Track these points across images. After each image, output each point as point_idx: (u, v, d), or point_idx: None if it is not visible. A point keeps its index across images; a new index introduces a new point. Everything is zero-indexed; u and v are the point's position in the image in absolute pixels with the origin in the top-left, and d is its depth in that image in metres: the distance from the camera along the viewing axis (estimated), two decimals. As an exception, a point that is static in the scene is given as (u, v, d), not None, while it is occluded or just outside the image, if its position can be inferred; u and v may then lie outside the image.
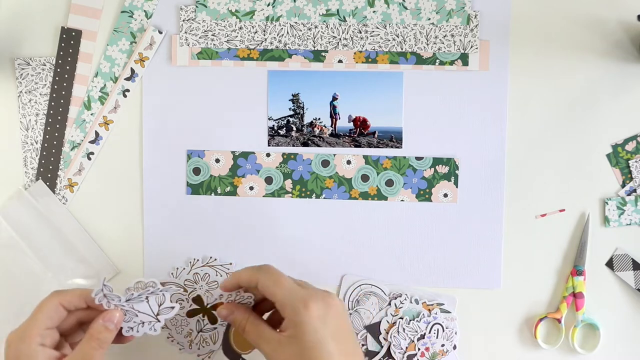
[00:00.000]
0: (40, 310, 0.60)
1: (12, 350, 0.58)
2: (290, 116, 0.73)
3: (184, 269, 0.74)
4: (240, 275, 0.63)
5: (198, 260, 0.74)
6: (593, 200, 0.72)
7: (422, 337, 0.72)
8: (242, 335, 0.63)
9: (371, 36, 0.72)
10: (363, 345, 0.73)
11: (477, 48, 0.72)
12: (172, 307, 0.62)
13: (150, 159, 0.74)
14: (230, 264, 0.74)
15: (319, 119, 0.73)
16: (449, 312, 0.72)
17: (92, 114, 0.74)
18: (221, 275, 0.73)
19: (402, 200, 0.73)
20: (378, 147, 0.73)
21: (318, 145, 0.73)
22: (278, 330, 0.60)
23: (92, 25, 0.74)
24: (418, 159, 0.73)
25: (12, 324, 0.73)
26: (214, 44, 0.73)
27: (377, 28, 0.72)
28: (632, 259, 0.72)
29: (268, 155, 0.73)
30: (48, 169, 0.74)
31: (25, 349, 0.58)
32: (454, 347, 0.73)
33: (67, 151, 0.74)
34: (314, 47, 0.72)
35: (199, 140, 0.74)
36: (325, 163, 0.73)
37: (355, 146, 0.73)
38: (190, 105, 0.73)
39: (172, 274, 0.74)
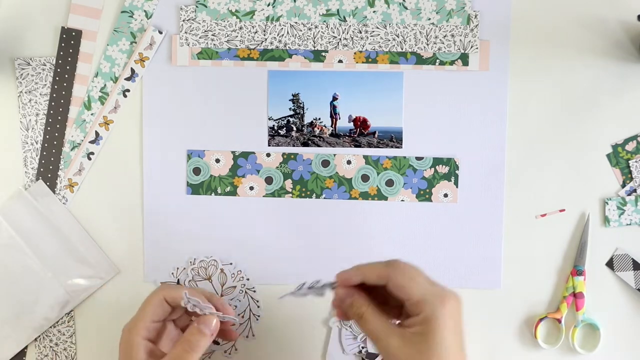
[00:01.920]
0: (147, 305, 0.62)
1: (123, 340, 0.61)
2: (291, 116, 0.73)
3: (184, 269, 0.74)
4: (367, 270, 0.60)
5: (198, 260, 0.74)
6: (593, 200, 0.72)
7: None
8: (356, 322, 0.60)
9: (371, 36, 0.72)
10: (363, 347, 0.73)
11: (477, 48, 0.72)
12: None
13: (150, 159, 0.74)
14: (231, 264, 0.74)
15: (319, 119, 0.73)
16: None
17: (92, 114, 0.74)
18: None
19: (402, 200, 0.73)
20: (378, 147, 0.73)
21: (318, 145, 0.73)
22: (399, 324, 0.58)
23: (92, 25, 0.74)
24: (418, 159, 0.73)
25: (12, 324, 0.73)
26: (214, 44, 0.73)
27: (377, 28, 0.72)
28: (632, 259, 0.72)
29: (268, 155, 0.73)
30: (48, 169, 0.74)
31: (132, 340, 0.60)
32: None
33: (67, 151, 0.74)
34: (314, 47, 0.72)
35: (199, 140, 0.74)
36: (326, 163, 0.73)
37: (356, 146, 0.73)
38: (190, 105, 0.73)
39: (172, 274, 0.74)
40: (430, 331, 0.56)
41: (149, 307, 0.62)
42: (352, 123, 0.73)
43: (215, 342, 0.73)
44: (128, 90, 0.74)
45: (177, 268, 0.74)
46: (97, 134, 0.74)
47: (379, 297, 0.60)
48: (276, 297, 0.73)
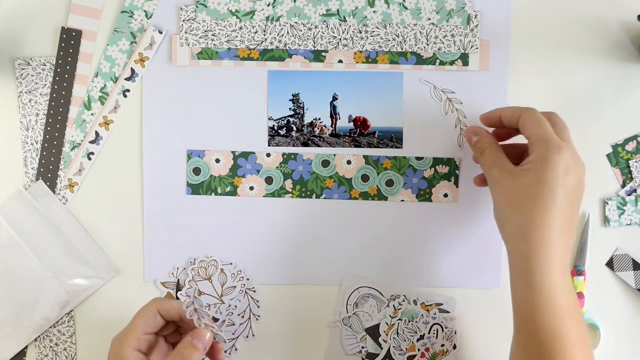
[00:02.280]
0: (139, 316, 0.62)
1: (112, 352, 0.61)
2: (291, 116, 0.73)
3: (184, 269, 0.74)
4: (504, 110, 0.65)
5: (198, 260, 0.74)
6: (593, 200, 0.72)
7: (422, 337, 0.72)
8: (477, 157, 0.66)
9: (371, 36, 0.72)
10: (363, 347, 0.73)
11: (477, 48, 0.72)
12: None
13: (150, 159, 0.74)
14: (231, 263, 0.74)
15: (319, 119, 0.73)
16: (448, 312, 0.72)
17: (92, 114, 0.74)
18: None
19: (402, 200, 0.73)
20: (378, 147, 0.73)
21: (318, 145, 0.73)
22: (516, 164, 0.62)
23: (92, 25, 0.74)
24: (418, 159, 0.73)
25: (12, 324, 0.73)
26: (214, 44, 0.73)
27: (377, 28, 0.72)
28: (632, 259, 0.72)
29: (268, 155, 0.73)
30: (48, 169, 0.74)
31: (122, 352, 0.60)
32: (454, 347, 0.73)
33: (67, 151, 0.74)
34: (314, 47, 0.72)
35: (199, 140, 0.74)
36: (326, 163, 0.73)
37: (355, 146, 0.73)
38: (190, 105, 0.73)
39: (172, 274, 0.74)
40: (538, 169, 0.59)
41: (141, 318, 0.62)
42: (352, 123, 0.73)
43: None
44: (128, 90, 0.74)
45: (177, 268, 0.74)
46: (97, 134, 0.74)
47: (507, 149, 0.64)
48: (278, 297, 0.73)
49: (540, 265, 0.58)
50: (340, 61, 0.73)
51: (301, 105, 0.73)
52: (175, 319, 0.64)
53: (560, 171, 0.58)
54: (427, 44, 0.72)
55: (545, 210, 0.58)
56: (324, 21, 0.72)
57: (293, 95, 0.73)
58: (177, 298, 0.74)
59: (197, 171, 0.74)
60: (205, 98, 0.73)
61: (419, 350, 0.72)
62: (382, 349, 0.72)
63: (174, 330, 0.66)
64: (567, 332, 0.57)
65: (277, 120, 0.73)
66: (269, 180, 0.73)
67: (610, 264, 0.72)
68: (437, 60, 0.72)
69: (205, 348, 0.62)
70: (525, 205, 0.59)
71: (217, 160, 0.74)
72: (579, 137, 0.72)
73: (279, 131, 0.73)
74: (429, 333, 0.72)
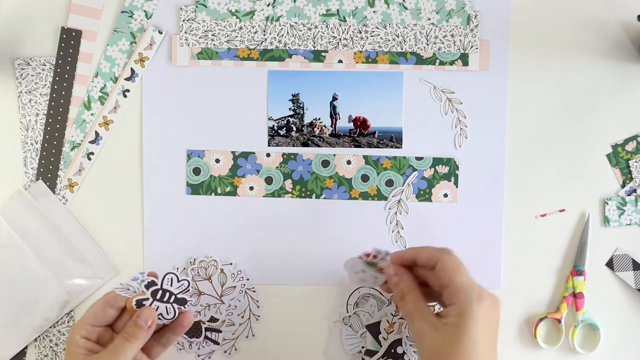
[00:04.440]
0: (89, 309, 0.64)
1: (67, 338, 0.65)
2: (290, 116, 0.73)
3: (184, 269, 0.74)
4: (421, 251, 0.62)
5: (198, 260, 0.74)
6: (593, 200, 0.72)
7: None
8: (397, 301, 0.62)
9: (371, 36, 0.72)
10: (363, 347, 0.73)
11: (477, 48, 0.72)
12: (187, 282, 0.63)
13: (150, 159, 0.74)
14: (231, 264, 0.74)
15: (319, 119, 0.73)
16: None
17: (92, 114, 0.74)
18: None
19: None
20: (378, 147, 0.73)
21: (318, 146, 0.73)
22: (436, 313, 0.60)
23: (92, 25, 0.74)
24: (418, 159, 0.73)
25: (12, 324, 0.73)
26: (214, 44, 0.73)
27: (377, 28, 0.72)
28: (632, 259, 0.72)
29: (268, 155, 0.73)
30: (48, 169, 0.74)
31: (70, 338, 0.63)
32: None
33: (67, 151, 0.74)
34: (314, 47, 0.72)
35: (199, 140, 0.74)
36: (325, 163, 0.73)
37: (355, 146, 0.73)
38: (190, 105, 0.73)
39: (172, 274, 0.74)
40: (462, 324, 0.57)
41: (90, 310, 0.64)
42: (352, 123, 0.73)
43: (215, 342, 0.73)
44: (128, 90, 0.74)
45: (177, 268, 0.74)
46: (97, 134, 0.74)
47: (423, 285, 0.62)
48: (278, 297, 0.73)
49: None
50: (340, 61, 0.73)
51: (301, 105, 0.73)
52: (122, 305, 0.65)
53: (484, 322, 0.57)
54: (427, 44, 0.72)
55: None
56: (324, 21, 0.72)
57: (293, 95, 0.73)
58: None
59: (197, 171, 0.74)
60: (205, 98, 0.73)
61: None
62: (381, 346, 0.72)
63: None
64: None
65: (277, 120, 0.73)
66: (269, 181, 0.73)
67: (610, 264, 0.72)
68: (437, 60, 0.72)
69: (150, 326, 0.63)
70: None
71: (217, 160, 0.74)
72: (579, 137, 0.72)
73: (279, 131, 0.73)
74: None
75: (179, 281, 0.63)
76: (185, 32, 0.73)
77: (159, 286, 0.63)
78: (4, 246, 0.73)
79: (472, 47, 0.72)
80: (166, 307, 0.64)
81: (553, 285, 0.73)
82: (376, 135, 0.73)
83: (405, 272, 0.63)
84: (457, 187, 0.73)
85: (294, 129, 0.73)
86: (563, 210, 0.72)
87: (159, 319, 0.64)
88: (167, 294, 0.63)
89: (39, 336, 0.74)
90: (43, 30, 0.74)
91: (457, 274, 0.59)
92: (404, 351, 0.72)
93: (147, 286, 0.63)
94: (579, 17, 0.72)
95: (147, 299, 0.63)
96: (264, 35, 0.72)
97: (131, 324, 0.63)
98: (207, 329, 0.73)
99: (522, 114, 0.72)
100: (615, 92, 0.72)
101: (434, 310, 0.63)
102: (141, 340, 0.62)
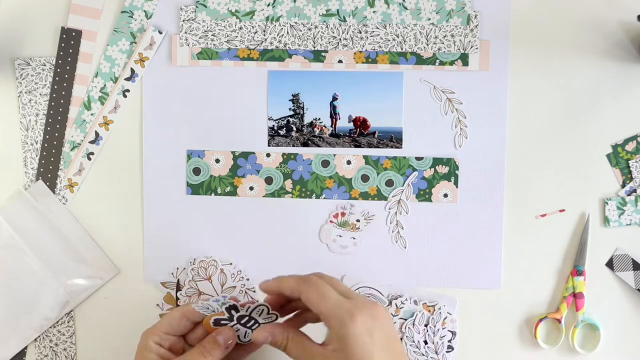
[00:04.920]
0: (166, 316, 0.64)
1: (139, 343, 0.63)
2: (290, 116, 0.73)
3: (184, 269, 0.74)
4: (283, 283, 0.61)
5: (198, 260, 0.74)
6: (593, 200, 0.72)
7: (423, 337, 0.72)
8: (285, 352, 0.61)
9: (371, 36, 0.72)
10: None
11: (477, 48, 0.72)
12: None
13: (150, 159, 0.74)
14: (230, 264, 0.74)
15: (319, 119, 0.73)
16: (450, 312, 0.72)
17: (92, 114, 0.74)
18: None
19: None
20: (378, 147, 0.73)
21: (318, 146, 0.73)
22: (322, 343, 0.59)
23: (92, 25, 0.74)
24: (418, 159, 0.73)
25: (12, 324, 0.73)
26: (214, 44, 0.73)
27: (377, 28, 0.72)
28: (632, 259, 0.72)
29: (268, 155, 0.73)
30: (48, 169, 0.74)
31: (143, 342, 0.63)
32: (454, 348, 0.72)
33: (67, 151, 0.74)
34: (314, 47, 0.72)
35: (199, 140, 0.74)
36: (325, 163, 0.73)
37: (355, 146, 0.73)
38: (190, 105, 0.73)
39: (172, 274, 0.74)
40: (344, 348, 0.56)
41: (167, 318, 0.63)
42: (352, 123, 0.73)
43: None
44: (128, 90, 0.74)
45: (177, 268, 0.74)
46: (97, 134, 0.74)
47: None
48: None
49: None
50: (340, 61, 0.73)
51: (301, 105, 0.73)
52: (200, 319, 0.64)
53: (365, 338, 0.55)
54: (427, 44, 0.72)
55: None
56: (324, 21, 0.72)
57: (293, 95, 0.73)
58: (177, 298, 0.73)
59: (197, 171, 0.74)
60: (205, 98, 0.73)
61: (418, 349, 0.72)
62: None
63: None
64: None
65: (277, 120, 0.73)
66: (269, 181, 0.73)
67: (610, 264, 0.72)
68: (437, 60, 0.72)
69: (227, 346, 0.62)
70: None
71: (217, 161, 0.74)
72: (579, 137, 0.72)
73: (279, 131, 0.73)
74: (429, 333, 0.72)
75: (268, 314, 0.61)
76: (185, 32, 0.73)
77: (246, 312, 0.61)
78: (4, 246, 0.73)
79: (472, 47, 0.72)
80: (246, 332, 0.62)
81: (553, 285, 0.73)
82: (376, 135, 0.73)
83: (272, 326, 0.61)
84: (457, 187, 0.73)
85: (294, 129, 0.73)
86: (563, 210, 0.72)
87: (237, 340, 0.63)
88: (252, 321, 0.62)
89: (39, 336, 0.74)
90: (43, 30, 0.74)
91: (321, 301, 0.58)
92: (404, 351, 0.72)
93: (229, 309, 0.61)
94: (579, 17, 0.72)
95: (225, 320, 0.62)
96: (264, 35, 0.72)
97: (210, 340, 0.62)
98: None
99: (522, 114, 0.72)
100: (615, 92, 0.72)
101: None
102: (216, 357, 0.61)
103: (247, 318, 0.62)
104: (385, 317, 0.58)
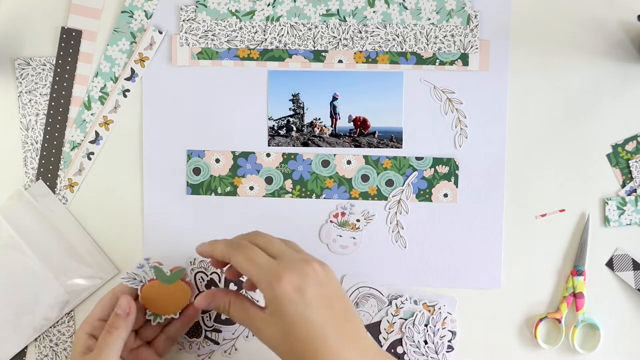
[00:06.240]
0: (98, 302, 0.64)
1: (75, 335, 0.65)
2: (291, 116, 0.73)
3: (184, 268, 0.74)
4: (215, 248, 0.61)
5: (198, 260, 0.74)
6: (593, 200, 0.72)
7: (423, 336, 0.72)
8: (229, 317, 0.62)
9: (371, 36, 0.72)
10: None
11: (477, 48, 0.72)
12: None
13: (150, 159, 0.74)
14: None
15: (319, 119, 0.73)
16: (450, 312, 0.72)
17: (92, 114, 0.74)
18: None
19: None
20: (378, 147, 0.73)
21: (318, 145, 0.73)
22: (263, 306, 0.58)
23: (92, 25, 0.74)
24: (418, 159, 0.73)
25: (12, 324, 0.73)
26: (214, 44, 0.73)
27: (377, 28, 0.72)
28: (632, 259, 0.72)
29: (268, 155, 0.73)
30: (48, 169, 0.74)
31: (75, 337, 0.64)
32: (454, 348, 0.72)
33: (67, 151, 0.74)
34: (314, 47, 0.72)
35: (199, 140, 0.74)
36: (326, 163, 0.73)
37: (356, 146, 0.73)
38: (190, 105, 0.73)
39: (172, 274, 0.74)
40: (278, 310, 0.55)
41: (98, 304, 0.64)
42: (352, 123, 0.73)
43: (215, 342, 0.73)
44: (128, 90, 0.74)
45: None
46: (97, 134, 0.74)
47: None
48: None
49: None
50: (340, 61, 0.73)
51: (301, 105, 0.73)
52: (133, 294, 0.65)
53: (294, 296, 0.55)
54: (427, 44, 0.72)
55: (312, 340, 0.54)
56: (324, 21, 0.72)
57: (293, 95, 0.73)
58: None
59: (197, 171, 0.74)
60: (205, 98, 0.73)
61: (418, 349, 0.72)
62: (381, 346, 0.72)
63: (145, 324, 0.68)
64: None
65: (277, 120, 0.73)
66: (269, 180, 0.73)
67: (610, 264, 0.72)
68: (437, 60, 0.72)
69: (129, 313, 0.63)
70: (295, 347, 0.55)
71: (217, 160, 0.74)
72: (579, 137, 0.72)
73: (279, 131, 0.73)
74: (429, 333, 0.72)
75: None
76: (185, 32, 0.73)
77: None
78: (4, 246, 0.73)
79: (472, 47, 0.72)
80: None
81: (553, 285, 0.73)
82: (376, 135, 0.73)
83: (213, 292, 0.62)
84: (457, 187, 0.73)
85: (294, 129, 0.73)
86: (563, 210, 0.72)
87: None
88: None
89: (39, 336, 0.74)
90: (43, 30, 0.74)
91: (249, 265, 0.57)
92: (404, 351, 0.72)
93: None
94: (579, 17, 0.72)
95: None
96: (264, 35, 0.72)
97: (112, 315, 0.63)
98: (207, 329, 0.73)
99: (522, 114, 0.72)
100: (615, 92, 0.72)
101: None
102: (123, 329, 0.62)
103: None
104: (317, 272, 0.57)
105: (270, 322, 0.56)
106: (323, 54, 0.73)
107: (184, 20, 0.73)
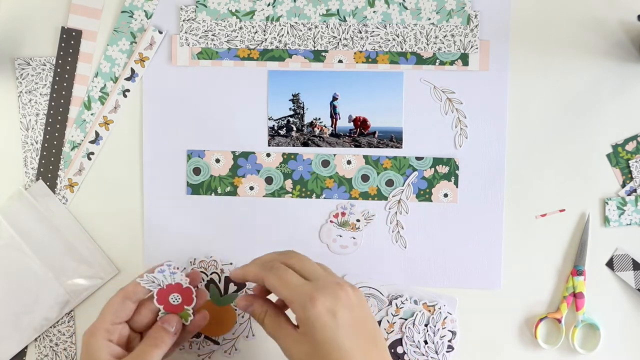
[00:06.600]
0: (106, 307, 0.62)
1: (84, 345, 0.61)
2: (291, 116, 0.73)
3: (184, 268, 0.74)
4: (248, 272, 0.61)
5: (198, 260, 0.74)
6: (593, 200, 0.72)
7: (423, 336, 0.72)
8: (262, 326, 0.62)
9: (371, 36, 0.72)
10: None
11: (477, 48, 0.72)
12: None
13: (150, 159, 0.74)
14: (231, 263, 0.74)
15: (319, 119, 0.73)
16: (450, 312, 0.72)
17: (92, 114, 0.74)
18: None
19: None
20: (378, 147, 0.73)
21: (318, 145, 0.73)
22: (297, 325, 0.59)
23: (92, 25, 0.74)
24: (418, 159, 0.73)
25: (12, 324, 0.73)
26: (214, 44, 0.73)
27: (377, 28, 0.72)
28: (632, 259, 0.72)
29: (268, 155, 0.73)
30: (48, 169, 0.74)
31: (93, 344, 0.61)
32: (454, 348, 0.72)
33: (67, 151, 0.74)
34: (314, 47, 0.72)
35: (199, 140, 0.74)
36: (326, 163, 0.73)
37: (356, 146, 0.73)
38: (190, 105, 0.73)
39: (172, 274, 0.74)
40: (309, 332, 0.56)
41: (108, 308, 0.62)
42: (352, 123, 0.73)
43: (215, 342, 0.73)
44: (128, 90, 0.74)
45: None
46: (97, 134, 0.74)
47: None
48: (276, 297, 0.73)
49: None
50: (340, 61, 0.73)
51: (301, 105, 0.73)
52: (142, 297, 0.64)
53: (327, 319, 0.55)
54: (427, 44, 0.72)
55: None
56: (324, 21, 0.72)
57: (293, 95, 0.73)
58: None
59: (197, 171, 0.74)
60: (205, 98, 0.73)
61: (418, 349, 0.72)
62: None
63: (150, 320, 0.66)
64: None
65: (277, 120, 0.73)
66: (269, 180, 0.73)
67: (610, 264, 0.72)
68: (437, 60, 0.72)
69: (176, 333, 0.63)
70: None
71: (217, 160, 0.74)
72: (579, 137, 0.72)
73: (279, 131, 0.73)
74: (429, 332, 0.72)
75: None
76: (186, 32, 0.73)
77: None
78: (4, 246, 0.73)
79: (472, 47, 0.72)
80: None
81: (553, 285, 0.73)
82: (376, 135, 0.73)
83: (254, 297, 0.62)
84: (457, 187, 0.73)
85: (294, 129, 0.73)
86: (563, 210, 0.72)
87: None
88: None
89: (39, 336, 0.74)
90: (43, 30, 0.74)
91: (282, 287, 0.58)
92: (404, 351, 0.72)
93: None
94: (579, 17, 0.72)
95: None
96: (264, 35, 0.72)
97: (158, 329, 0.62)
98: None
99: (522, 114, 0.72)
100: (615, 92, 0.72)
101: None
102: (168, 345, 0.62)
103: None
104: (350, 296, 0.57)
105: (300, 341, 0.57)
106: (323, 54, 0.73)
107: (184, 20, 0.73)
